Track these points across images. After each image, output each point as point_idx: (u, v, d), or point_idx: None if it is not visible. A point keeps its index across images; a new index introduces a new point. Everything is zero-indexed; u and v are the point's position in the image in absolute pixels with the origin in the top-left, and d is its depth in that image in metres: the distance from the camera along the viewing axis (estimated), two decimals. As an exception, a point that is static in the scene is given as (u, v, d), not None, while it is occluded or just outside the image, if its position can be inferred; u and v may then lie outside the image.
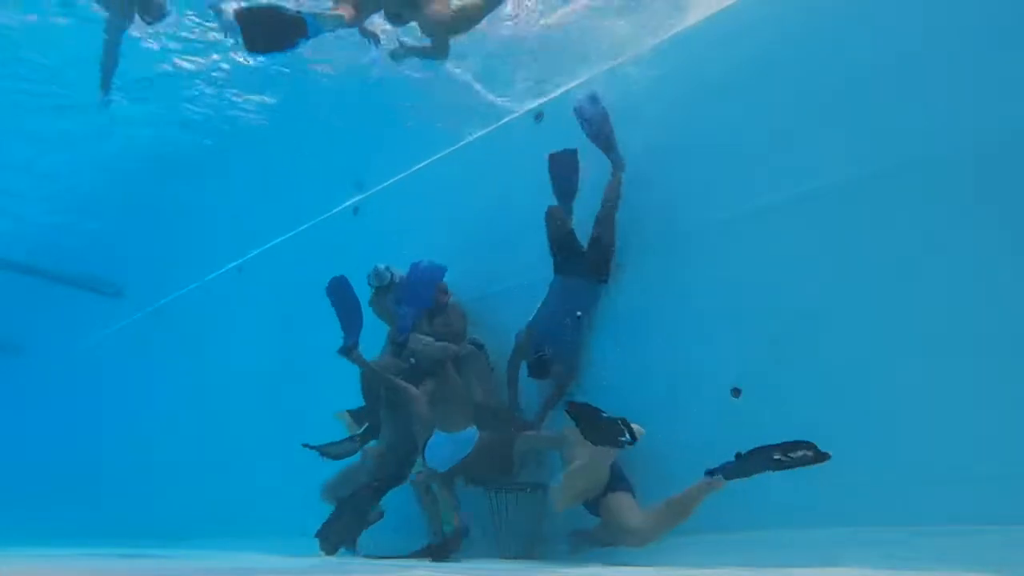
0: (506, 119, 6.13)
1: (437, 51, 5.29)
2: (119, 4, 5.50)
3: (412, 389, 4.79)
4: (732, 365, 4.03)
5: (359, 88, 7.25)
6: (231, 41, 4.84)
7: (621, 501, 3.86)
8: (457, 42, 5.20)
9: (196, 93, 7.48)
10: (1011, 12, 3.36)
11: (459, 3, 4.98)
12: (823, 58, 4.01)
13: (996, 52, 3.39)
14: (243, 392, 7.90)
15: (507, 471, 4.58)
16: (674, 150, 4.63)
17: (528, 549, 4.60)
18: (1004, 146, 3.29)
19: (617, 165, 4.74)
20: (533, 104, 5.89)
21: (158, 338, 10.38)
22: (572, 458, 3.97)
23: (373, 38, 5.60)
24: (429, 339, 4.98)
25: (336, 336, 4.91)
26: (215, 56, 6.93)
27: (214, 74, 7.16)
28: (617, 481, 3.97)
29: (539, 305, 4.71)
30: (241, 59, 6.69)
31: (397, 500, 5.09)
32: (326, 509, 5.18)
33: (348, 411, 5.42)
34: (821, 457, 3.05)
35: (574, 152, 4.86)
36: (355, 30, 5.31)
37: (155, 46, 6.62)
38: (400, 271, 5.34)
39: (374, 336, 5.32)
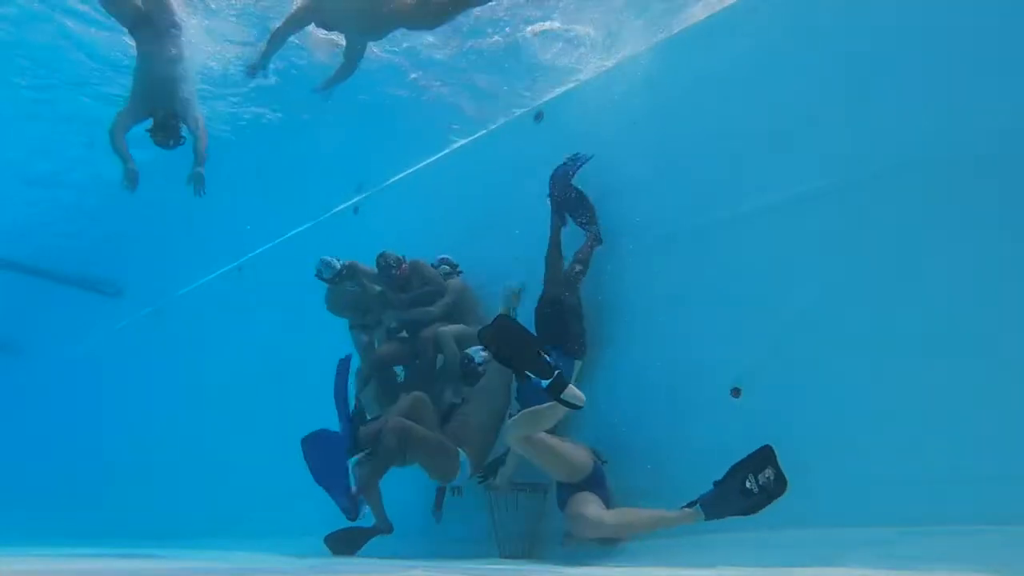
0: (506, 120, 6.15)
1: (348, 69, 5.74)
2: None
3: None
4: (732, 365, 4.03)
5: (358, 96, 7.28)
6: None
7: (586, 497, 3.89)
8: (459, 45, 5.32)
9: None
10: (1011, 12, 3.36)
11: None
12: (823, 58, 4.01)
13: (996, 52, 3.39)
14: (243, 392, 7.90)
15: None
16: (674, 150, 4.63)
17: (528, 549, 4.60)
18: (1004, 146, 3.29)
19: (592, 238, 4.77)
20: (533, 104, 5.90)
21: (158, 338, 10.39)
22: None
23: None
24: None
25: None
26: (214, 64, 7.00)
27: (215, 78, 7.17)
28: (591, 483, 3.98)
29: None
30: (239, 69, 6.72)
31: (402, 502, 5.09)
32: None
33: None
34: (781, 483, 3.24)
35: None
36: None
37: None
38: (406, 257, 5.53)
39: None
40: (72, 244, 10.99)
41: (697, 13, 5.20)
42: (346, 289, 5.70)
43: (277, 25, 5.66)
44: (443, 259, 5.69)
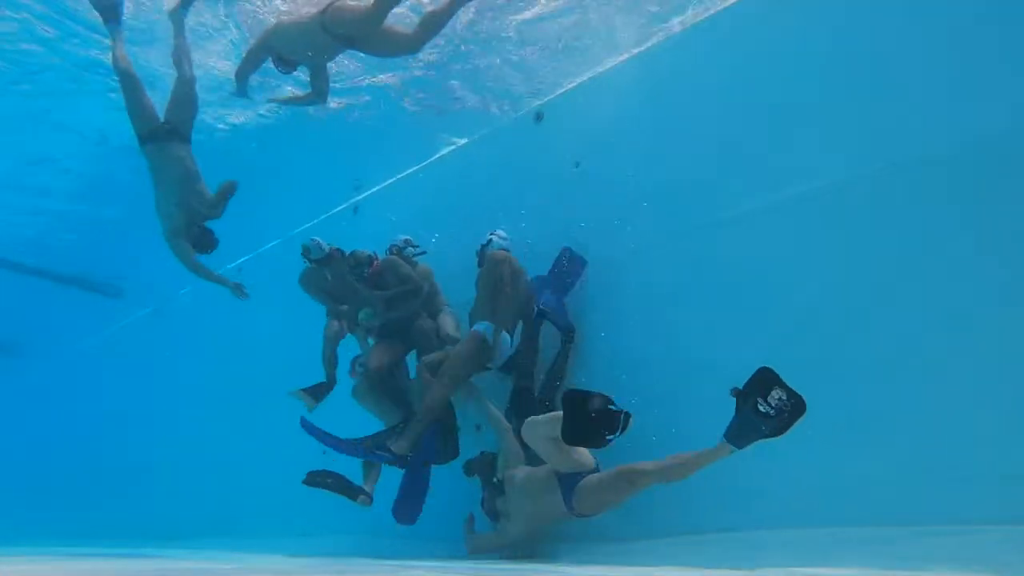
0: (504, 120, 6.14)
1: (316, 96, 5.94)
2: None
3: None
4: (732, 365, 4.02)
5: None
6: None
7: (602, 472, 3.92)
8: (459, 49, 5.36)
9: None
10: (1010, 12, 3.36)
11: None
12: (823, 58, 4.01)
13: (996, 52, 3.39)
14: (243, 392, 7.90)
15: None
16: (674, 149, 4.63)
17: (528, 549, 4.60)
18: (1005, 146, 3.29)
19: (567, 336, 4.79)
20: (533, 104, 5.90)
21: (158, 338, 10.38)
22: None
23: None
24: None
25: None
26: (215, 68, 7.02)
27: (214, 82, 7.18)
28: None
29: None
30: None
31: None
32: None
33: (302, 389, 5.58)
34: (797, 400, 3.04)
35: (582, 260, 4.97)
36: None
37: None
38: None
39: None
40: (72, 244, 10.99)
41: (697, 13, 5.20)
42: (324, 276, 5.72)
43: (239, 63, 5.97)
44: (406, 240, 5.70)
